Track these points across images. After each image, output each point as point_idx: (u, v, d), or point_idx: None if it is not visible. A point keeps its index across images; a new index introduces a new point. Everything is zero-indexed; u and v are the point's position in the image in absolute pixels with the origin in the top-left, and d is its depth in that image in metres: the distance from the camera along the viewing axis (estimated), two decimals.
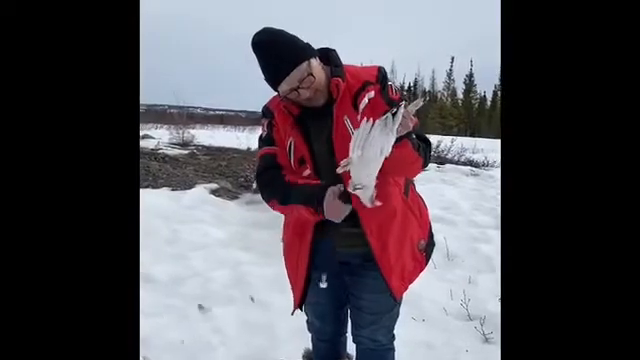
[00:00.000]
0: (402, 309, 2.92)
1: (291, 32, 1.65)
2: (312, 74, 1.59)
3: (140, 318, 2.72)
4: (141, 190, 7.85)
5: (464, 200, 6.26)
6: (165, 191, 5.73)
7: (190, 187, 5.94)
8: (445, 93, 64.91)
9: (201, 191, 5.75)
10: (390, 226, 1.69)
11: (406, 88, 58.09)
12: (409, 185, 1.79)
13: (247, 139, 16.91)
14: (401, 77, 61.80)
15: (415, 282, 3.52)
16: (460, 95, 65.54)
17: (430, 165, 9.40)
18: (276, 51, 1.57)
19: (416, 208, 1.80)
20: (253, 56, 1.61)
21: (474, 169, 9.00)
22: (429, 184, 7.32)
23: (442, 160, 10.17)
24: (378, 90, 1.63)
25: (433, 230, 1.90)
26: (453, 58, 64.06)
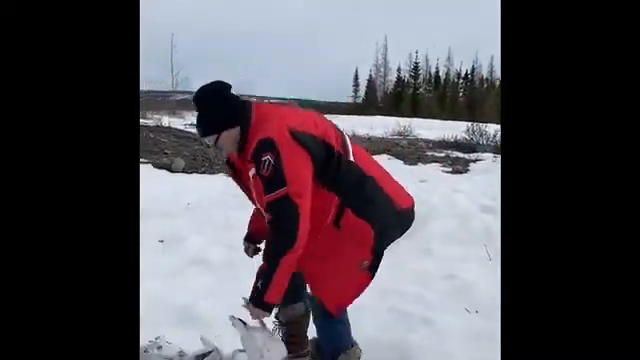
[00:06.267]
0: (455, 300, 2.88)
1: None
2: (217, 145, 1.97)
3: (196, 300, 2.78)
4: (198, 175, 8.10)
5: None
6: (221, 177, 5.87)
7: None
8: None
9: None
10: (320, 271, 1.96)
11: (463, 75, 56.60)
12: (342, 213, 1.88)
13: None
14: (458, 64, 60.42)
15: (468, 273, 3.47)
16: None
17: (487, 155, 9.16)
18: (198, 119, 1.99)
19: (354, 233, 1.89)
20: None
21: None
22: (485, 174, 7.15)
23: (499, 150, 9.90)
24: (254, 167, 1.83)
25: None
26: None
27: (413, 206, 2.06)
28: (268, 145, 1.78)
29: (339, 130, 2.00)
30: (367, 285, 1.96)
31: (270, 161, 1.76)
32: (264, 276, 1.82)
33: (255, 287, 1.84)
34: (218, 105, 1.93)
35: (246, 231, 2.31)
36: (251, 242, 2.29)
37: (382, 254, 1.95)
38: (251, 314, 1.88)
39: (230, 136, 1.92)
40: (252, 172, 1.84)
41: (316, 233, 1.83)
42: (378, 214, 1.92)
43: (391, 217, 1.96)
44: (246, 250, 2.31)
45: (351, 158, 1.91)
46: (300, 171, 1.79)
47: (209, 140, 1.98)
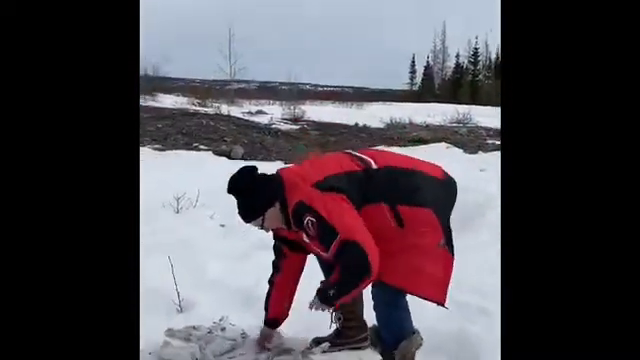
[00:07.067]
0: None
1: None
2: (264, 225, 2.07)
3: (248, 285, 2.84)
4: (256, 163, 8.23)
5: None
6: (279, 164, 5.97)
7: (302, 161, 6.12)
8: None
9: None
10: (391, 268, 1.92)
11: None
12: (398, 214, 1.93)
13: (355, 115, 16.95)
14: None
15: None
16: None
17: None
18: (238, 207, 2.08)
19: (417, 222, 1.94)
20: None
21: None
22: None
23: None
24: (303, 233, 1.94)
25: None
26: None
27: (445, 172, 2.13)
28: (302, 208, 1.90)
29: (348, 152, 2.13)
30: (453, 261, 2.01)
31: (311, 220, 1.88)
32: (339, 288, 1.89)
33: (325, 291, 1.93)
34: (253, 189, 2.03)
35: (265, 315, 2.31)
36: (272, 327, 2.32)
37: (450, 227, 2.03)
38: (313, 305, 2.00)
39: (274, 213, 2.03)
40: (305, 238, 1.96)
41: (379, 240, 1.89)
42: (428, 195, 1.98)
43: (439, 191, 2.03)
44: (264, 338, 2.30)
45: (374, 166, 1.99)
46: (341, 212, 1.88)
47: (255, 223, 2.08)
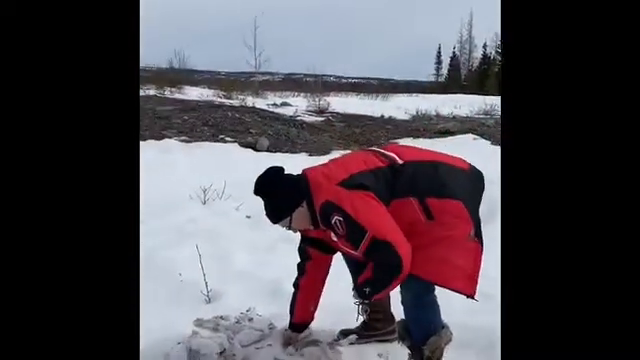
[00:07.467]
0: None
1: None
2: (291, 226, 2.08)
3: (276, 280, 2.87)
4: (281, 154, 8.28)
5: None
6: (304, 156, 5.97)
7: (326, 153, 6.13)
8: None
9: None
10: (420, 261, 1.86)
11: None
12: (427, 207, 1.89)
13: (380, 107, 16.85)
14: None
15: None
16: None
17: None
18: (265, 208, 2.08)
19: (447, 214, 1.90)
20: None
21: None
22: None
23: None
24: (332, 232, 1.94)
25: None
26: None
27: (470, 164, 2.11)
28: (329, 208, 1.89)
29: (371, 150, 2.14)
30: (482, 252, 1.96)
31: (339, 220, 1.86)
32: (372, 285, 1.90)
33: (361, 287, 1.93)
34: (280, 190, 2.04)
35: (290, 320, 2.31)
36: (298, 331, 2.31)
37: (479, 219, 1.99)
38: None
39: (301, 213, 2.03)
40: (333, 237, 1.96)
41: (409, 234, 1.87)
42: (456, 187, 1.95)
43: (466, 183, 2.01)
44: (289, 342, 2.29)
45: (399, 161, 1.97)
46: (369, 209, 1.85)
47: (282, 224, 2.08)
